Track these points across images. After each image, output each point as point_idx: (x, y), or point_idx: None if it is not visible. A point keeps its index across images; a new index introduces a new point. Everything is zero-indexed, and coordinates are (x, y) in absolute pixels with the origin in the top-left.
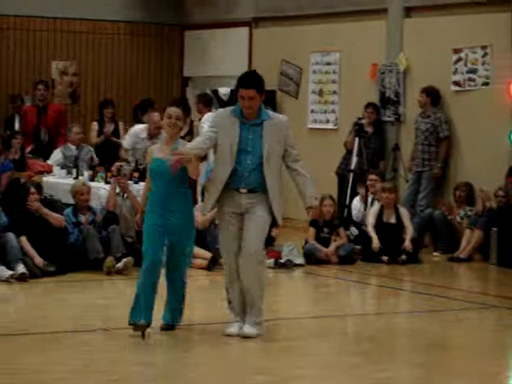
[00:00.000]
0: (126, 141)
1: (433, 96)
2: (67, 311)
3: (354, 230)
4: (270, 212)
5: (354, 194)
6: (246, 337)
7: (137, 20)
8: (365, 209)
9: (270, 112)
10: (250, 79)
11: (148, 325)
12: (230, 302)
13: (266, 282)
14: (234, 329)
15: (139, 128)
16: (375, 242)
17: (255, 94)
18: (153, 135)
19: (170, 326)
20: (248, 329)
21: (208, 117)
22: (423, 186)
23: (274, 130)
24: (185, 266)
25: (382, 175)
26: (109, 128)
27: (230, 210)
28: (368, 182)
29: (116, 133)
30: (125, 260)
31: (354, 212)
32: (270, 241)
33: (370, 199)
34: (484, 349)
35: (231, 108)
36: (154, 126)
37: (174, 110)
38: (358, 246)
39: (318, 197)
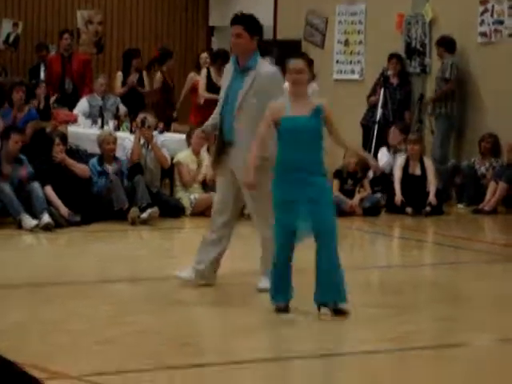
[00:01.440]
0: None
1: (446, 45)
2: (92, 262)
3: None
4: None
5: (378, 146)
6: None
7: None
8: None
9: (261, 61)
10: (240, 16)
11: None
12: None
13: None
14: None
15: None
16: (398, 196)
17: (242, 32)
18: None
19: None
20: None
21: None
22: (435, 134)
23: (255, 81)
24: None
25: (406, 128)
26: (133, 78)
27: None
28: (390, 135)
29: (141, 82)
30: (150, 210)
31: (381, 163)
32: None
33: (391, 151)
34: (508, 301)
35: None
36: None
37: (295, 63)
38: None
39: None
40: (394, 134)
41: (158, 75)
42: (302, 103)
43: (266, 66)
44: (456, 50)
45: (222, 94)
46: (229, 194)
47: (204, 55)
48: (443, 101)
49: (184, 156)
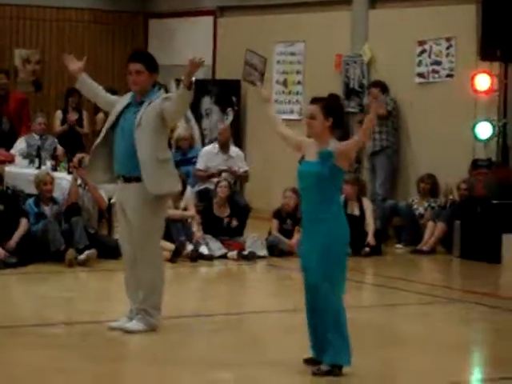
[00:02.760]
0: (199, 163)
1: (381, 86)
2: (28, 304)
3: None
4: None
5: None
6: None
7: (101, 8)
8: None
9: (160, 94)
10: (139, 54)
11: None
12: None
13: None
14: None
15: (209, 147)
16: None
17: (143, 69)
18: (223, 145)
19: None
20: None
21: None
22: (378, 173)
23: (150, 108)
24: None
25: None
26: (72, 116)
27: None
28: None
29: (80, 122)
30: (87, 252)
31: None
32: (232, 232)
33: None
34: (447, 344)
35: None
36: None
37: (309, 108)
38: None
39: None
40: None
41: (100, 116)
42: (315, 148)
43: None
44: (390, 90)
45: (109, 124)
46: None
47: None
48: (383, 133)
49: None
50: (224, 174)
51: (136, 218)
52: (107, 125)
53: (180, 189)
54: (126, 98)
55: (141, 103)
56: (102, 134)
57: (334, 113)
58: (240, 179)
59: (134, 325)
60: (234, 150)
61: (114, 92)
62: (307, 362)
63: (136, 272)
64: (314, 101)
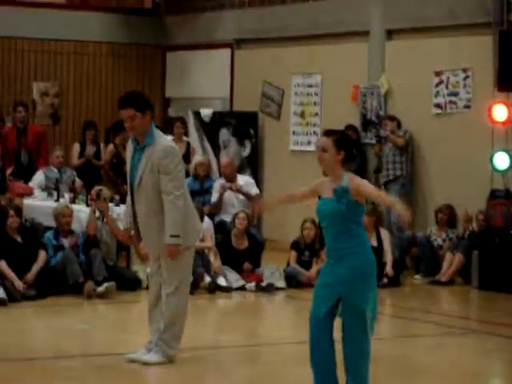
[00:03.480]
0: (213, 196)
1: (397, 120)
2: (46, 337)
3: None
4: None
5: None
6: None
7: (118, 41)
8: None
9: (158, 136)
10: (127, 98)
11: None
12: None
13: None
14: None
15: (221, 180)
16: None
17: (134, 113)
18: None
19: None
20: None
21: None
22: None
23: (151, 157)
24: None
25: None
26: (90, 150)
27: None
28: None
29: (98, 155)
30: (106, 284)
31: None
32: (254, 263)
33: None
34: (463, 375)
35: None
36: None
37: (321, 141)
38: None
39: (174, 234)
40: None
41: (111, 147)
42: (331, 185)
43: (161, 142)
44: (408, 121)
45: (128, 174)
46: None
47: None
48: (397, 163)
49: None
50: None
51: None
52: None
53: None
54: (130, 147)
55: (142, 148)
56: (128, 191)
57: (346, 146)
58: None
59: (152, 356)
60: (242, 178)
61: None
62: None
63: (160, 304)
64: (326, 134)
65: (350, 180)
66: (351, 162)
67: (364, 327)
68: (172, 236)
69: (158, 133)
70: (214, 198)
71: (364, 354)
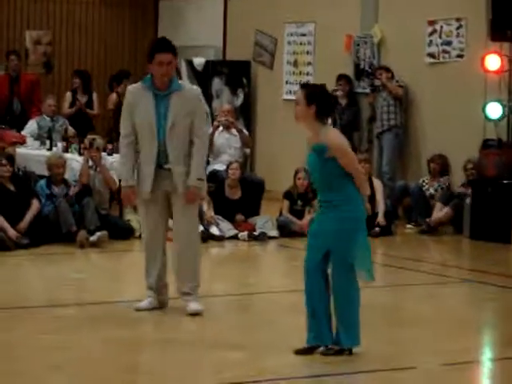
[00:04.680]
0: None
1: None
2: (40, 285)
3: None
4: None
5: None
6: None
7: None
8: None
9: (183, 82)
10: (168, 43)
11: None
12: None
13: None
14: None
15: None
16: None
17: (173, 59)
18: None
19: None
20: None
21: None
22: (385, 152)
23: (184, 102)
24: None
25: (353, 149)
26: (81, 99)
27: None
28: None
29: (90, 103)
30: (99, 234)
31: None
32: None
33: None
34: (456, 324)
35: (141, 82)
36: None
37: (296, 94)
38: None
39: (201, 177)
40: None
41: (114, 96)
42: (312, 140)
43: (190, 87)
44: (403, 71)
45: (145, 120)
46: (160, 220)
47: None
48: (391, 113)
49: None
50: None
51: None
52: (151, 126)
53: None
54: (139, 93)
55: (168, 93)
56: (145, 140)
57: (317, 99)
58: (245, 141)
59: (198, 305)
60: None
61: (126, 74)
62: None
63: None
64: (301, 87)
65: (326, 136)
66: (326, 116)
67: (352, 278)
68: (198, 179)
69: (180, 80)
70: None
71: (352, 303)
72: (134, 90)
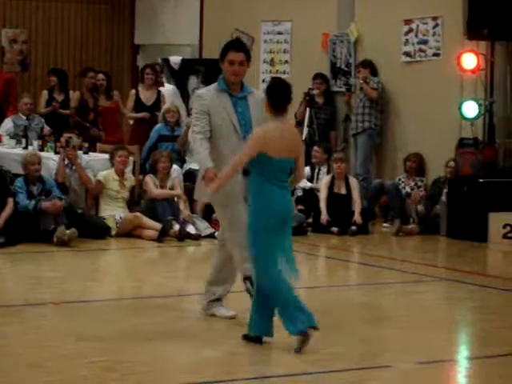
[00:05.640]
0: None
1: (370, 66)
2: (16, 284)
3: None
4: None
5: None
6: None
7: None
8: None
9: (250, 87)
10: (242, 43)
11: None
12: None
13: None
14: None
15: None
16: (324, 215)
17: (245, 60)
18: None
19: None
20: None
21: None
22: (359, 153)
23: (257, 106)
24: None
25: (329, 148)
26: (58, 97)
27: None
28: (312, 153)
29: (67, 102)
30: (68, 232)
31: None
32: None
33: (316, 170)
34: (432, 322)
35: (214, 84)
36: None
37: None
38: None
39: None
40: (316, 154)
41: (77, 94)
42: None
43: (257, 91)
44: (380, 70)
45: (232, 123)
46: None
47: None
48: (366, 115)
49: (105, 175)
50: None
51: None
52: (234, 126)
53: None
54: (215, 95)
55: (243, 97)
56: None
57: (269, 94)
58: None
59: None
60: None
61: (88, 69)
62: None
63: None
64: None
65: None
66: (279, 110)
67: (256, 269)
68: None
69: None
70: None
71: (271, 293)
72: (208, 92)
